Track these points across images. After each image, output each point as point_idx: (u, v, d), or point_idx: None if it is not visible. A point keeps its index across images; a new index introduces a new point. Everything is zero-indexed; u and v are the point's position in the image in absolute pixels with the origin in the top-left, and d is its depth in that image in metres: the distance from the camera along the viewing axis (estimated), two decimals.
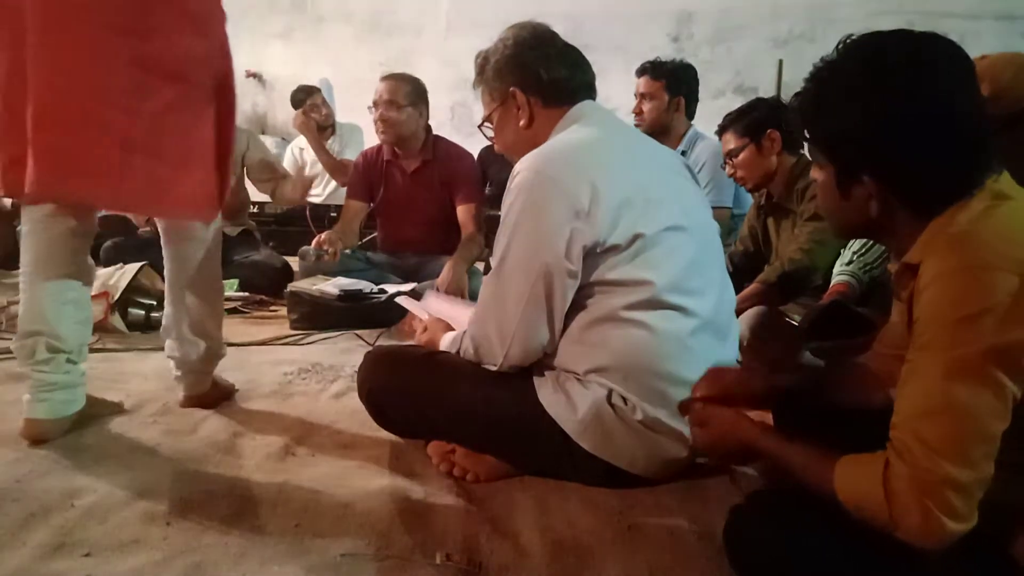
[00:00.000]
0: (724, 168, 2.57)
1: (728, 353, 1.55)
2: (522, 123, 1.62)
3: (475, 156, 3.57)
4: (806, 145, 1.16)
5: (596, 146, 1.50)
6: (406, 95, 3.18)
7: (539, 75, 1.59)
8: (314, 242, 3.12)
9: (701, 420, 1.27)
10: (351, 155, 4.64)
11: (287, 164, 4.87)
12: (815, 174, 1.16)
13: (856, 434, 1.04)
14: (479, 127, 1.74)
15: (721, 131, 2.56)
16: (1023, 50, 1.69)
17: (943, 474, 0.91)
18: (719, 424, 1.23)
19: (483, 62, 1.68)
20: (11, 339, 2.49)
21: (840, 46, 1.06)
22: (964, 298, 0.93)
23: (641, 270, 1.44)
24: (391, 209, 3.38)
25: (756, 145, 2.44)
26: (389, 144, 3.27)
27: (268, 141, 4.16)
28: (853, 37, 1.06)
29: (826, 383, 1.37)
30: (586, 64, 1.66)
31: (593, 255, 1.44)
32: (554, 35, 1.67)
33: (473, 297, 2.74)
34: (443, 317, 1.81)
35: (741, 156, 2.47)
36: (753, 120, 2.45)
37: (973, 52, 1.55)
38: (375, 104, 3.21)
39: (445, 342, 1.67)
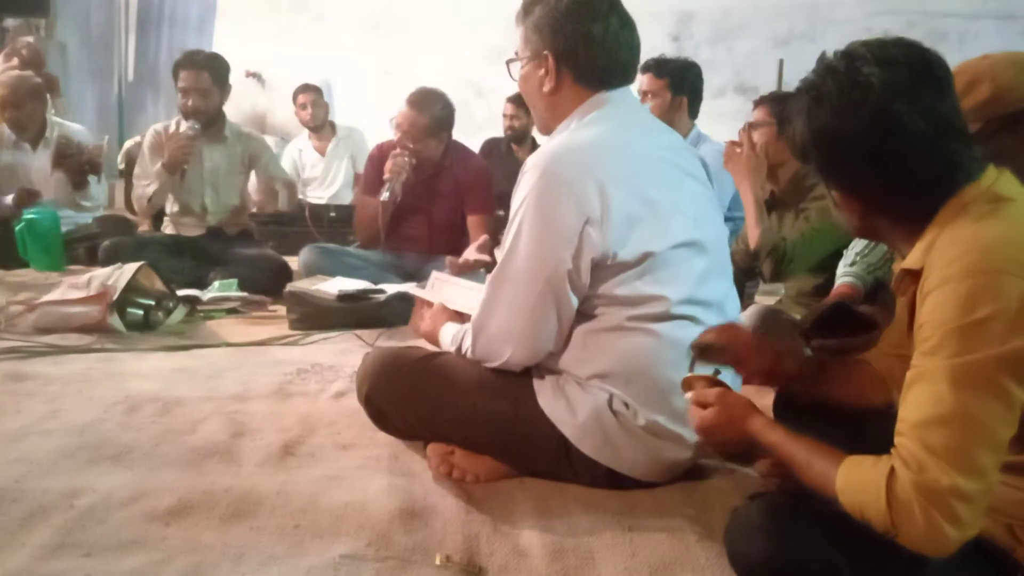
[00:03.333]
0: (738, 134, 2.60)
1: None
2: (546, 88, 1.54)
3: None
4: None
5: (608, 148, 1.46)
6: (424, 129, 3.17)
7: (576, 52, 1.50)
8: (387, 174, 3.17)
9: (704, 401, 1.20)
10: (359, 161, 4.66)
11: (285, 164, 4.87)
12: None
13: (854, 434, 1.04)
14: (506, 62, 1.64)
15: (759, 102, 2.60)
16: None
17: (950, 484, 0.89)
18: (726, 410, 1.17)
19: (531, 4, 1.56)
20: (11, 339, 2.52)
21: (818, 64, 1.09)
22: (971, 303, 0.91)
23: (652, 287, 1.42)
24: (400, 207, 3.37)
25: (780, 132, 2.45)
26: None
27: (268, 141, 4.17)
28: (825, 58, 1.09)
29: (828, 377, 1.36)
30: (635, 46, 1.56)
31: (603, 267, 1.42)
32: (613, 6, 1.53)
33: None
34: (450, 303, 1.79)
35: (760, 131, 2.48)
36: (787, 111, 2.46)
37: (973, 52, 1.55)
38: (397, 126, 3.21)
39: (445, 338, 1.66)
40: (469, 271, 2.90)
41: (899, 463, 0.93)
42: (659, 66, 3.29)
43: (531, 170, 1.44)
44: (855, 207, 1.09)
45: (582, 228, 1.39)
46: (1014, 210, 0.99)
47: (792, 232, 2.39)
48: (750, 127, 2.54)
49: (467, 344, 1.56)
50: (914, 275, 1.02)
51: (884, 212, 1.08)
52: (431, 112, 3.18)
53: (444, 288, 1.95)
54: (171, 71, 3.57)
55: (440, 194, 3.30)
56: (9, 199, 3.86)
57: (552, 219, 1.41)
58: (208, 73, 3.47)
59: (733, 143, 2.53)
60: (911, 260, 1.03)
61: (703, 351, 1.33)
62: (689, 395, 1.24)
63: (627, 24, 1.56)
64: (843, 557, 1.01)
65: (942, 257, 0.96)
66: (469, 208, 3.31)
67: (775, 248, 2.35)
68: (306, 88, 5.16)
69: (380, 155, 3.41)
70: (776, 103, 2.53)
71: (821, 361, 1.34)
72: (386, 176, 3.18)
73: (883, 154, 1.02)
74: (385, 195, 3.20)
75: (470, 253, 3.02)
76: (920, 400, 0.94)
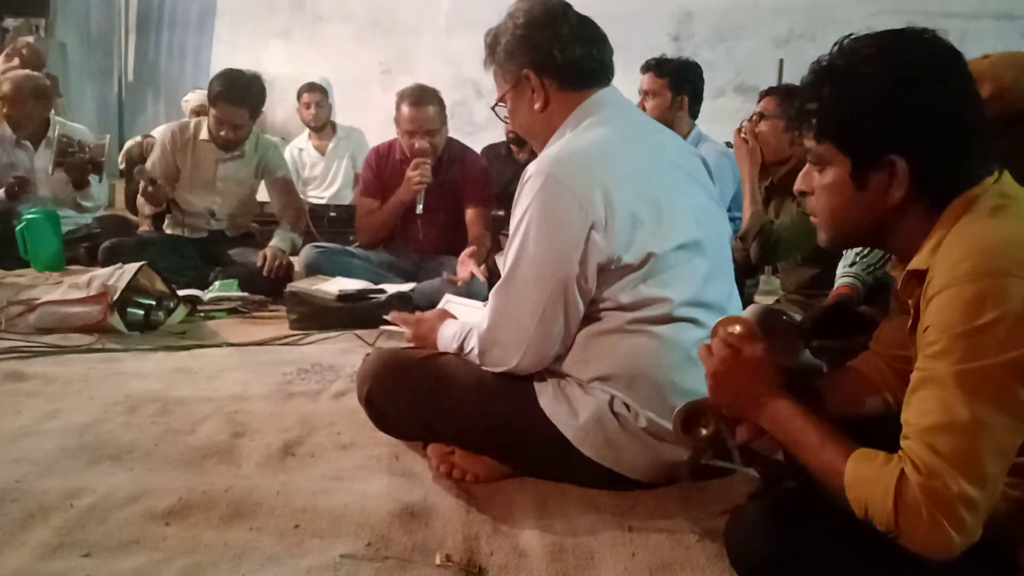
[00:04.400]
0: (744, 123, 2.59)
1: None
2: (537, 106, 1.55)
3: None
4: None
5: (610, 151, 1.46)
6: (436, 120, 3.23)
7: (553, 56, 1.52)
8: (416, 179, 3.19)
9: (728, 342, 1.15)
10: (359, 161, 4.65)
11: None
12: (818, 179, 1.13)
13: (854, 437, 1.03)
14: (492, 108, 1.68)
15: (767, 92, 2.61)
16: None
17: (958, 490, 0.89)
18: (743, 360, 1.12)
19: (493, 41, 1.61)
20: (11, 339, 2.52)
21: (844, 42, 1.06)
22: (977, 306, 0.90)
23: (655, 289, 1.42)
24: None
25: (785, 129, 2.45)
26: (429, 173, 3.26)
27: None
28: (853, 35, 1.06)
29: (820, 397, 1.34)
30: (602, 38, 1.58)
31: (607, 271, 1.42)
32: (567, 8, 1.58)
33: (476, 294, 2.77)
34: (455, 312, 1.79)
35: (769, 123, 2.49)
36: (801, 97, 2.46)
37: (973, 52, 1.55)
38: (409, 133, 3.22)
39: (445, 335, 1.63)
40: (466, 284, 2.92)
41: (908, 466, 0.92)
42: (659, 66, 3.32)
43: (534, 177, 1.43)
44: (906, 178, 1.02)
45: (587, 234, 1.38)
46: (1018, 210, 0.98)
47: (784, 216, 2.41)
48: (759, 117, 2.54)
49: (471, 347, 1.55)
50: (920, 276, 1.01)
51: (932, 187, 1.02)
52: (434, 102, 3.25)
53: (453, 309, 1.96)
54: (207, 94, 3.52)
55: (439, 192, 3.31)
56: (1, 192, 3.86)
57: (557, 226, 1.40)
58: (247, 109, 3.45)
59: (739, 131, 2.54)
60: (918, 261, 1.02)
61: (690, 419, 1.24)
62: (713, 341, 1.17)
63: (586, 19, 1.58)
64: (843, 557, 1.00)
65: (946, 259, 0.95)
66: (467, 201, 3.33)
67: (763, 229, 2.36)
68: (312, 87, 5.14)
69: (377, 159, 3.41)
70: (782, 96, 2.53)
71: (810, 386, 1.30)
72: (415, 187, 3.20)
73: (962, 121, 1.00)
74: (420, 207, 3.24)
75: (463, 267, 3.03)
76: (927, 405, 0.93)
